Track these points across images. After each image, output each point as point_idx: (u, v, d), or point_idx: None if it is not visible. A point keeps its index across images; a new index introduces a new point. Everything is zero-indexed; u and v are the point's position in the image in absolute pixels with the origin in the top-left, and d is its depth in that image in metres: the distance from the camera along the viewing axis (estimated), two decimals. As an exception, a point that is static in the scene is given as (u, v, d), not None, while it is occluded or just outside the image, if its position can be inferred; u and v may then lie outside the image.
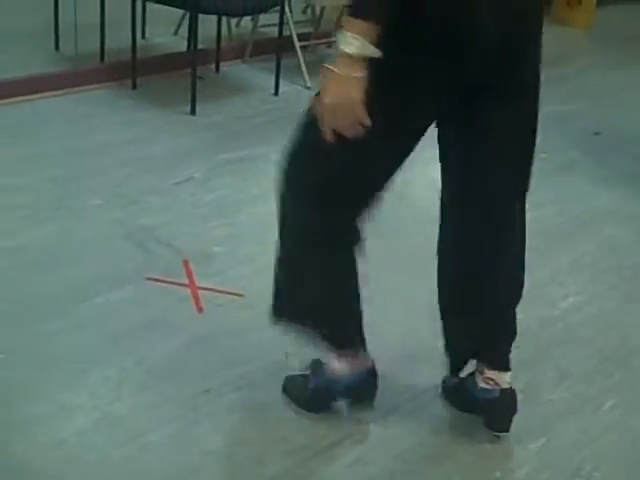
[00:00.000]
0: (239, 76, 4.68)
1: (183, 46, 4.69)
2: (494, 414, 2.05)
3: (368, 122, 1.58)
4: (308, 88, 4.41)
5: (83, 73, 4.25)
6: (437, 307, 2.03)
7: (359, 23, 1.52)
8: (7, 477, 1.87)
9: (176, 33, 4.93)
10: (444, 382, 2.17)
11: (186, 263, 2.69)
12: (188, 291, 2.57)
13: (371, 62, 1.54)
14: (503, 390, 2.02)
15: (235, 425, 2.09)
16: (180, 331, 2.38)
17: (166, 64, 4.51)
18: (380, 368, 2.06)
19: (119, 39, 4.35)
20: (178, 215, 3.02)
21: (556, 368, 2.38)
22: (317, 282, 1.93)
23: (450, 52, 1.59)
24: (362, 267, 1.93)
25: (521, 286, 2.00)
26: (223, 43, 4.76)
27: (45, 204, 3.03)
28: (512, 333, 2.03)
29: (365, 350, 2.03)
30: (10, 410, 2.05)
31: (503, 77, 1.69)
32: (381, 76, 1.56)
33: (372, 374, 2.05)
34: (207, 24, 4.35)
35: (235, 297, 2.54)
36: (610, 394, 2.29)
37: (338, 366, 2.01)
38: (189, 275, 2.63)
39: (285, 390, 2.13)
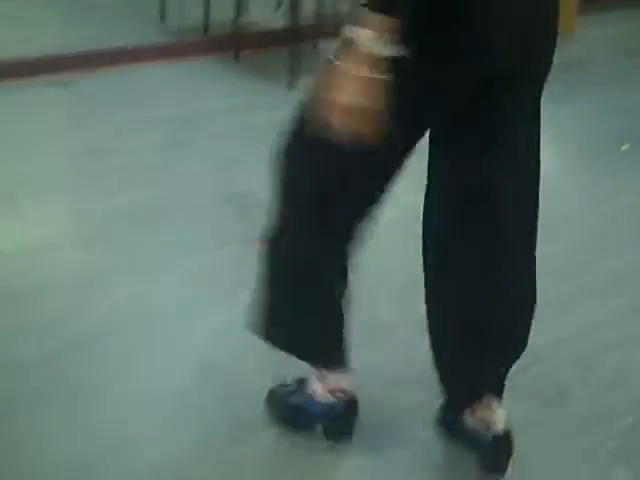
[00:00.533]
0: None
1: (285, 22, 4.77)
2: (488, 456, 1.90)
3: (387, 130, 1.44)
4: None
5: (187, 44, 4.39)
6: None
7: (383, 19, 1.38)
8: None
9: (277, 10, 5.01)
10: (439, 413, 2.00)
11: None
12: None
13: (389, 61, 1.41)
14: (496, 435, 1.86)
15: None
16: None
17: (268, 39, 4.60)
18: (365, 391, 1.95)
19: (222, 13, 4.45)
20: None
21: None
22: (304, 297, 1.82)
23: (468, 52, 1.52)
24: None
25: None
26: (322, 22, 4.82)
27: (148, 167, 3.15)
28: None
29: (347, 373, 1.91)
30: (121, 354, 2.17)
31: (518, 71, 1.61)
32: (399, 76, 1.43)
33: (352, 404, 1.94)
34: (308, 3, 4.42)
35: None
36: None
37: (319, 388, 1.92)
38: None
39: (267, 403, 2.02)
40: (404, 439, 1.99)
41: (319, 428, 1.95)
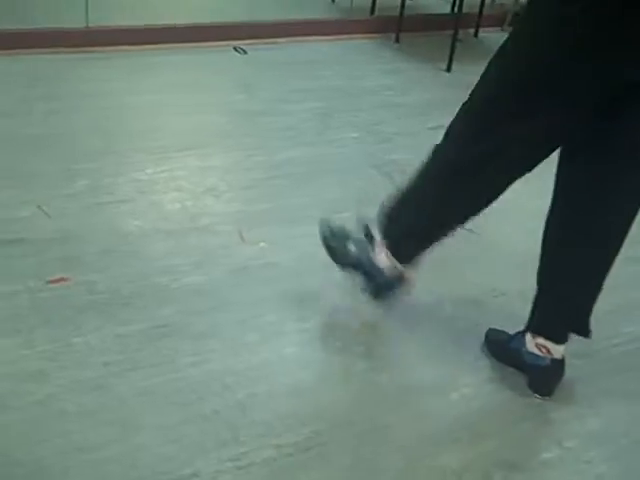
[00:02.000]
0: (496, 42, 4.82)
1: (447, 9, 4.94)
2: (540, 379, 2.11)
3: None
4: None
5: (354, 23, 4.62)
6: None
7: None
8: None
9: (442, -4, 5.18)
10: (487, 336, 2.25)
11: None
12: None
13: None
14: (554, 360, 2.08)
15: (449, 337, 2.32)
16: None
17: (429, 23, 4.78)
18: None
19: (390, -4, 4.68)
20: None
21: None
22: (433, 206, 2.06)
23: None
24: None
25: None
26: (485, 10, 4.94)
27: (308, 130, 3.41)
28: (584, 312, 2.04)
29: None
30: (271, 287, 2.41)
31: None
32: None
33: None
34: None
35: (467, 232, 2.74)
36: None
37: (384, 260, 2.16)
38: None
39: (325, 240, 2.30)
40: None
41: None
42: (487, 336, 2.26)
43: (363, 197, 2.92)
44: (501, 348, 2.20)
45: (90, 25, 3.94)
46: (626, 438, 2.02)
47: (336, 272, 2.35)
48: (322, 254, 2.39)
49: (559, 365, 2.10)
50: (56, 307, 2.21)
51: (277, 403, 1.99)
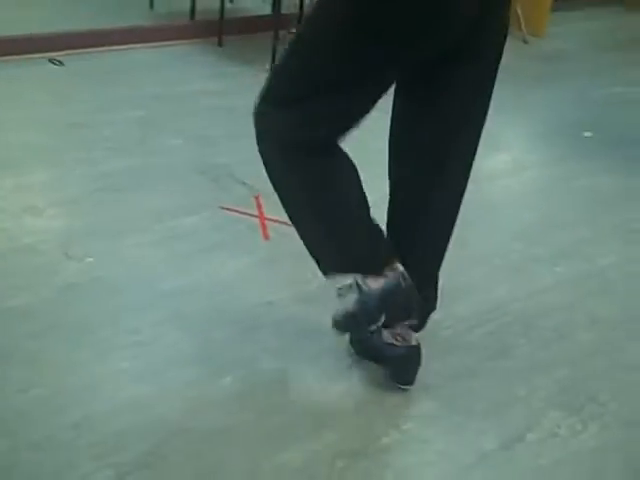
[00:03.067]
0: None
1: (267, 10, 4.96)
2: (400, 368, 2.13)
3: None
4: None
5: (174, 29, 4.58)
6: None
7: None
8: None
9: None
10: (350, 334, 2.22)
11: (257, 198, 2.94)
12: (257, 221, 2.83)
13: None
14: (411, 347, 2.08)
15: (292, 334, 2.33)
16: (248, 253, 2.65)
17: (251, 25, 4.79)
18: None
19: (209, 0, 4.65)
20: (254, 157, 3.26)
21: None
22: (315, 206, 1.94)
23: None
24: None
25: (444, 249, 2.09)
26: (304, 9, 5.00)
27: (129, 140, 3.34)
28: (432, 303, 2.13)
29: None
30: (101, 302, 2.35)
31: (467, 45, 1.82)
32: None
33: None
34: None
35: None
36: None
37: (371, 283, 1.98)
38: (259, 207, 2.89)
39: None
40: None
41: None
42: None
43: (192, 204, 2.89)
44: (362, 345, 2.19)
45: None
46: (459, 415, 2.10)
47: (164, 282, 2.32)
48: (150, 264, 2.35)
49: (416, 351, 2.11)
50: None
51: (113, 421, 1.94)
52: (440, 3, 1.72)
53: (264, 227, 2.79)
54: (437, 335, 2.35)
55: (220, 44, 4.57)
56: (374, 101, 1.85)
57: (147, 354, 2.17)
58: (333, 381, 2.16)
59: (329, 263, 2.00)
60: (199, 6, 4.73)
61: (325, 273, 2.02)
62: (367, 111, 1.86)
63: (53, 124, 3.40)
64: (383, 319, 2.00)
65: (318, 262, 2.01)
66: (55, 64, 4.00)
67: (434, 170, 2.03)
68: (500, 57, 1.94)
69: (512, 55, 4.19)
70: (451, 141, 1.99)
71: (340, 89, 1.80)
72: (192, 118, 3.60)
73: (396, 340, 2.06)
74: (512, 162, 3.59)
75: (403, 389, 2.13)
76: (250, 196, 2.94)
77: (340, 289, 1.96)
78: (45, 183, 2.96)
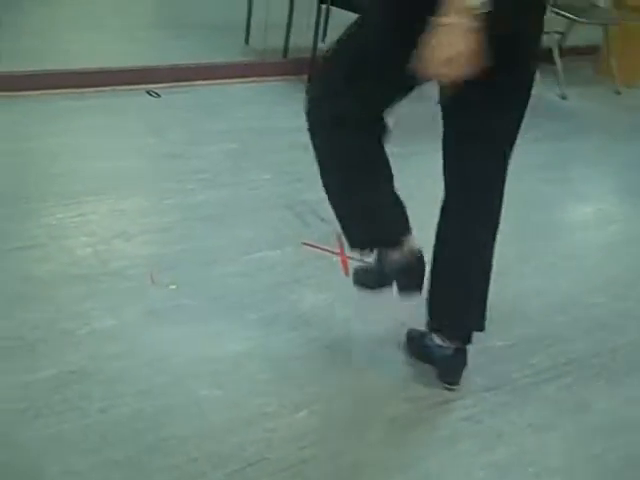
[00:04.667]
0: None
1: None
2: (447, 369, 2.29)
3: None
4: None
5: (268, 65, 4.69)
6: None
7: None
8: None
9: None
10: (409, 333, 2.42)
11: (339, 236, 2.98)
12: (338, 259, 2.87)
13: None
14: (457, 349, 2.25)
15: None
16: (328, 289, 2.69)
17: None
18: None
19: (302, 39, 4.75)
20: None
21: None
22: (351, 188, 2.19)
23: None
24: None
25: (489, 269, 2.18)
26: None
27: (222, 172, 3.43)
28: (476, 318, 2.22)
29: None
30: (182, 329, 2.42)
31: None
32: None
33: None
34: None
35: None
36: None
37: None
38: (340, 246, 2.93)
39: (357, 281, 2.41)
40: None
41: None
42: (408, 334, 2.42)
43: (277, 238, 2.96)
44: (416, 346, 2.38)
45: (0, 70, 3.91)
46: (532, 467, 2.08)
47: (247, 312, 2.36)
48: (232, 295, 2.40)
49: (462, 353, 2.26)
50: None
51: (189, 447, 1.98)
52: None
53: (345, 264, 2.83)
54: (513, 384, 2.34)
55: (310, 82, 4.65)
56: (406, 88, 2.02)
57: (227, 383, 2.22)
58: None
59: (355, 240, 2.24)
60: (292, 43, 4.85)
61: (351, 246, 2.27)
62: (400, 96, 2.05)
63: (148, 154, 3.53)
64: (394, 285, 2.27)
65: (345, 235, 2.24)
66: (152, 96, 4.15)
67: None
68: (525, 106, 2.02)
69: (604, 106, 4.22)
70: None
71: (380, 75, 1.97)
72: (281, 153, 3.68)
73: (443, 342, 2.25)
74: (597, 215, 3.56)
75: (449, 389, 2.27)
76: (332, 234, 2.99)
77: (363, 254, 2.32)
78: (137, 210, 3.07)
